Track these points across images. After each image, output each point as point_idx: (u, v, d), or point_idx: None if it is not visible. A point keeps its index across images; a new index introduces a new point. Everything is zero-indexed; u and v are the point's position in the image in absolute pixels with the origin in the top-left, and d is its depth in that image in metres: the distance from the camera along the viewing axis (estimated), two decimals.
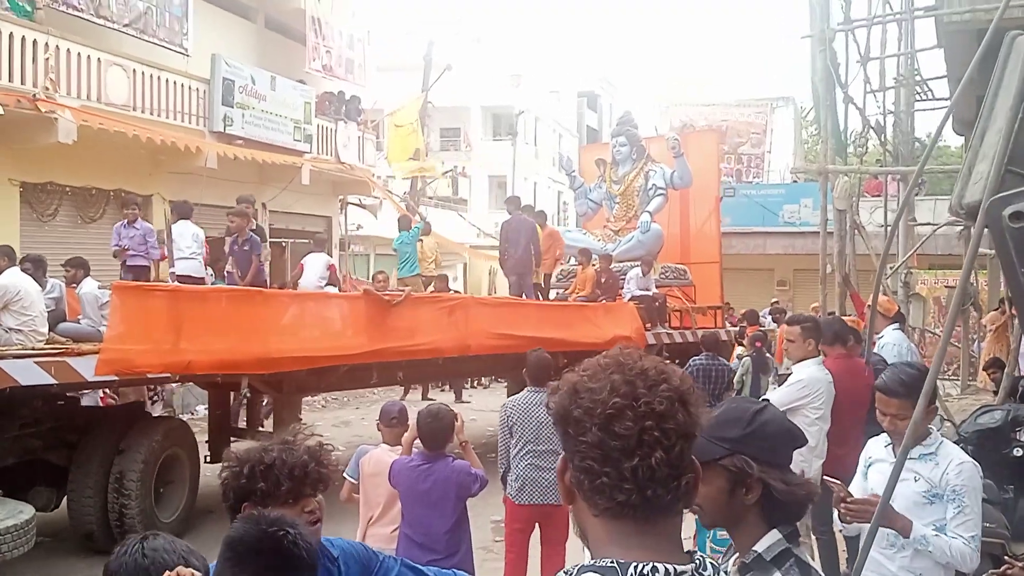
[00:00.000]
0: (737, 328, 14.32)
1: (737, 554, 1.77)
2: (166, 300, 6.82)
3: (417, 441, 4.34)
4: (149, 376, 7.18)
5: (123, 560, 1.90)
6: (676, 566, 1.17)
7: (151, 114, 13.24)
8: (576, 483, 1.22)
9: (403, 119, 19.94)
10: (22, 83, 11.16)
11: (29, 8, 11.61)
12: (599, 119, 43.81)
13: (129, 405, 9.07)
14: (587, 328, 10.77)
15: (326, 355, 7.89)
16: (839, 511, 2.86)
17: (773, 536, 1.70)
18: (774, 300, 19.09)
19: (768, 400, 2.70)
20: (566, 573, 1.18)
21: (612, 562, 1.15)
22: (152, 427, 7.27)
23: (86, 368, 6.22)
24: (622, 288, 12.86)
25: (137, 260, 8.95)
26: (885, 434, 3.21)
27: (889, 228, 12.10)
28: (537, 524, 5.27)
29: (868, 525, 2.76)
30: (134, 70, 12.99)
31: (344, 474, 4.66)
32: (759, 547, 1.70)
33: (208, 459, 8.15)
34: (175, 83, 13.81)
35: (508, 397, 6.43)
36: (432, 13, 53.68)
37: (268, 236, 16.50)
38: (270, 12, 18.21)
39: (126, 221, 9.09)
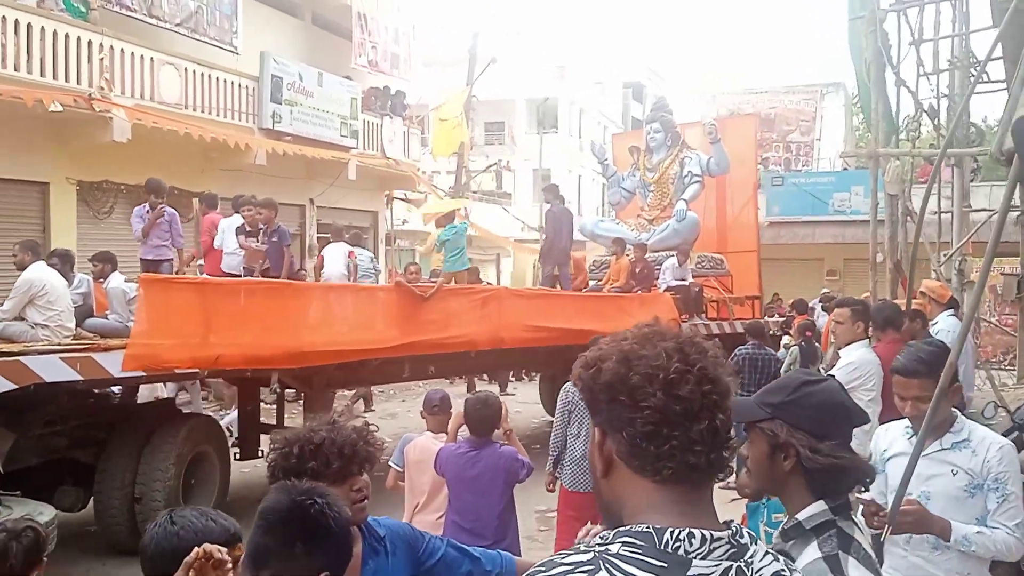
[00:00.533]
0: (784, 319, 14.10)
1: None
2: (194, 293, 6.67)
3: (463, 428, 4.38)
4: (177, 372, 6.90)
5: (153, 532, 1.95)
6: (713, 532, 1.18)
7: (202, 112, 13.52)
8: (630, 450, 1.23)
9: (448, 113, 20.06)
10: (78, 83, 11.48)
11: (84, 9, 11.94)
12: (644, 110, 43.34)
13: (160, 402, 8.89)
14: (623, 319, 9.89)
15: (357, 348, 7.62)
16: (871, 525, 2.56)
17: (819, 506, 1.72)
18: (824, 290, 18.77)
19: (833, 376, 2.62)
20: (601, 537, 1.20)
21: (648, 527, 1.17)
22: (181, 424, 7.06)
23: (113, 364, 6.08)
24: (657, 278, 12.59)
25: (162, 251, 8.50)
26: (905, 421, 2.95)
27: (942, 214, 11.83)
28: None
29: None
30: (185, 68, 13.27)
31: (389, 462, 4.72)
32: (801, 515, 1.71)
33: (238, 456, 8.03)
34: (225, 81, 14.09)
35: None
36: (476, 6, 53.85)
37: (317, 231, 16.78)
38: (317, 9, 18.46)
39: (148, 206, 8.57)
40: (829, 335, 10.29)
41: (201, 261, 9.85)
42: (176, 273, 8.50)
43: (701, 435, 1.19)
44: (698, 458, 1.20)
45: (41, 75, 11.04)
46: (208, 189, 13.67)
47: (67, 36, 11.40)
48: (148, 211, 8.51)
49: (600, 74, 38.06)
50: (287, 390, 9.04)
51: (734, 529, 1.22)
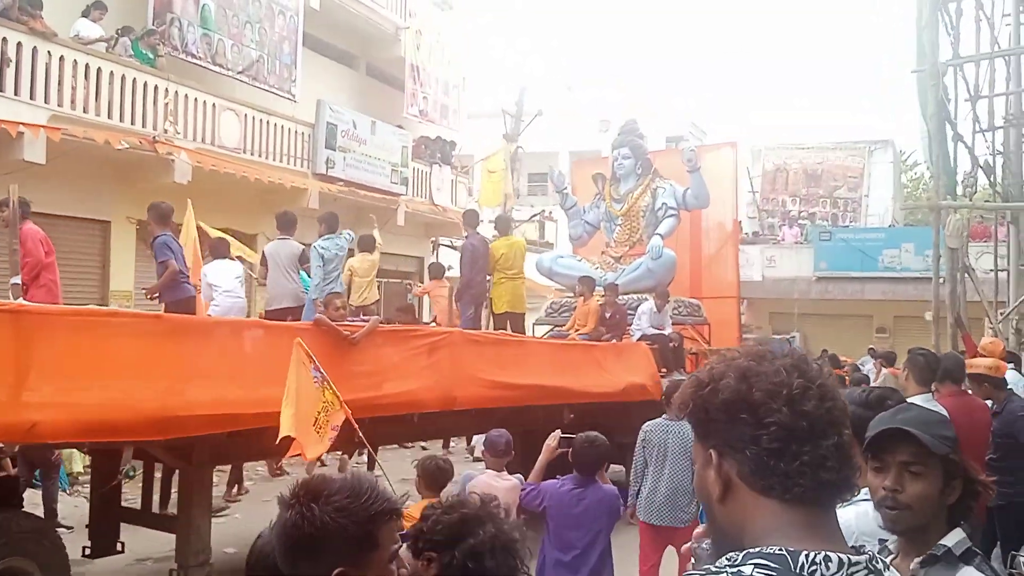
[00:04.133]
0: None
1: (896, 555, 1.75)
2: (3, 327, 4.48)
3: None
4: None
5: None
6: (850, 555, 1.14)
7: (259, 156, 13.83)
8: (756, 470, 1.19)
9: (495, 165, 20.31)
10: (143, 126, 11.82)
11: (151, 55, 12.35)
12: None
13: None
14: (597, 374, 8.77)
15: (257, 411, 5.38)
16: None
17: (959, 534, 1.71)
18: (870, 347, 18.45)
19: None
20: (729, 560, 1.16)
21: (780, 549, 1.13)
22: None
23: None
24: (630, 324, 10.85)
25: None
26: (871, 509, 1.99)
27: (999, 272, 11.63)
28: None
29: None
30: (245, 115, 13.63)
31: None
32: (947, 541, 1.69)
33: (89, 551, 6.12)
34: (282, 127, 14.43)
35: None
36: (524, 59, 54.84)
37: None
38: (372, 60, 18.97)
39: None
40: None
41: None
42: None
43: (831, 451, 1.16)
44: (830, 475, 1.17)
45: (108, 117, 11.40)
46: (263, 232, 13.98)
47: (135, 81, 11.78)
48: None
49: (645, 128, 38.28)
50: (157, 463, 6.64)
51: (870, 554, 1.18)
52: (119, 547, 6.25)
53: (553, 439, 4.57)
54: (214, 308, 8.24)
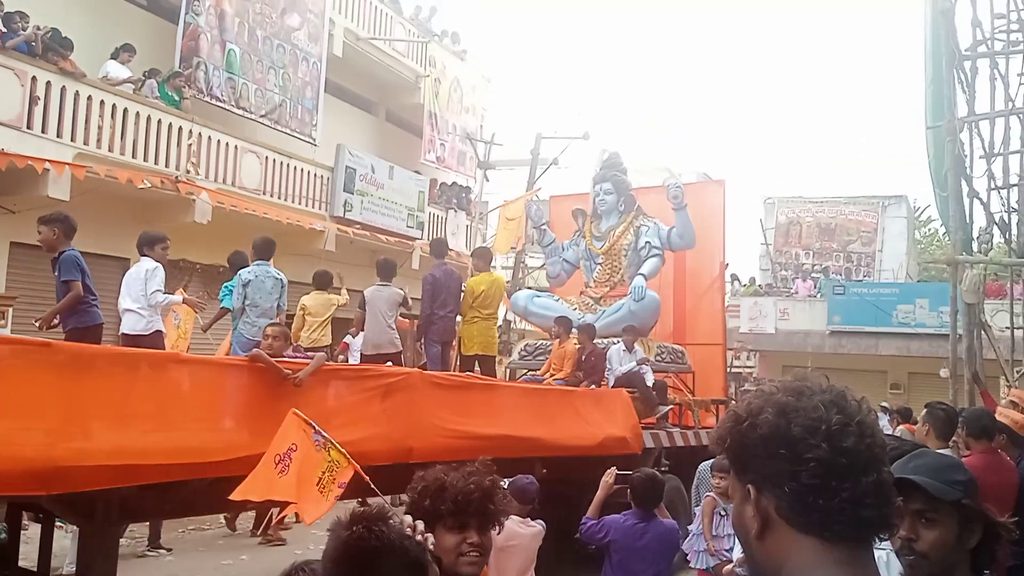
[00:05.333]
0: None
1: None
2: None
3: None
4: None
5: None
6: None
7: (278, 198, 14.00)
8: (794, 506, 1.19)
9: (514, 212, 20.47)
10: (166, 165, 12.03)
11: (177, 98, 12.60)
12: None
13: None
14: (573, 424, 7.88)
15: (173, 463, 4.61)
16: None
17: None
18: (883, 404, 18.28)
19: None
20: None
21: None
22: None
23: None
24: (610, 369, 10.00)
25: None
26: None
27: (1015, 330, 11.54)
28: None
29: None
30: (266, 157, 13.84)
31: None
32: None
33: None
34: (302, 170, 14.64)
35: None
36: (541, 108, 55.48)
37: None
38: (391, 107, 19.31)
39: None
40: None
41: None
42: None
43: (870, 489, 1.16)
44: (870, 512, 1.17)
45: (133, 156, 11.60)
46: (281, 272, 14.08)
47: (159, 122, 12.01)
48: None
49: (658, 177, 38.60)
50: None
51: None
52: None
53: (610, 475, 4.97)
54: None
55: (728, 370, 13.96)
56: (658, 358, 10.74)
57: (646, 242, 11.50)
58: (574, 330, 10.07)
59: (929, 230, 37.09)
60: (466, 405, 6.75)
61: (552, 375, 9.69)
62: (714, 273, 12.49)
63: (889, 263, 27.25)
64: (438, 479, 2.23)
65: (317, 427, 5.00)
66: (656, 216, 11.72)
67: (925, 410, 5.15)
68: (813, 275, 26.68)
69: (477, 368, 9.20)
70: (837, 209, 28.24)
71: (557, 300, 11.71)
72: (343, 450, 5.00)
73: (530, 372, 10.48)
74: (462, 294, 9.27)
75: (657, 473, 4.94)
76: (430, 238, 17.79)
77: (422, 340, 9.36)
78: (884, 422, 14.94)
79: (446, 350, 9.31)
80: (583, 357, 9.69)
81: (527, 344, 11.55)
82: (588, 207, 12.32)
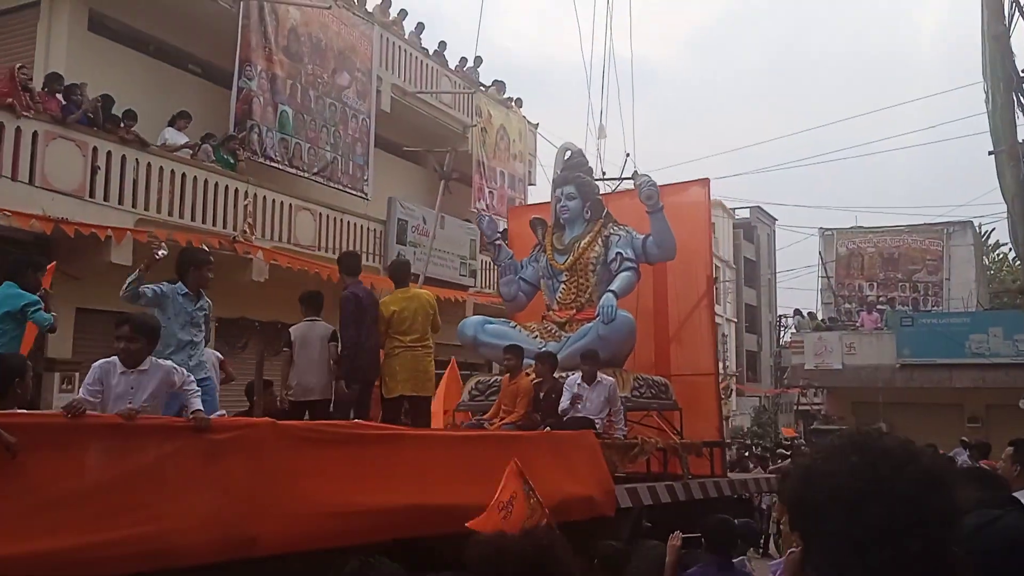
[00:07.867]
0: None
1: None
2: None
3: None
4: None
5: None
6: None
7: (333, 253, 14.19)
8: (819, 567, 1.15)
9: None
10: (223, 227, 12.31)
11: (232, 160, 12.95)
12: (756, 250, 43.34)
13: None
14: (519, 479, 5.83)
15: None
16: None
17: None
18: (963, 439, 17.51)
19: None
20: None
21: None
22: None
23: None
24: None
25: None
26: None
27: None
28: None
29: None
30: (320, 213, 14.09)
31: None
32: None
33: None
34: (355, 224, 14.87)
35: None
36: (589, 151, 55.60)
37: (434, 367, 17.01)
38: (440, 158, 19.51)
39: None
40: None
41: None
42: None
43: (890, 563, 1.07)
44: None
45: (192, 219, 11.91)
46: (335, 327, 14.22)
47: (216, 184, 12.33)
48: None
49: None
50: None
51: None
52: None
53: (675, 539, 4.97)
54: None
55: (795, 408, 13.59)
56: (635, 393, 8.69)
57: (617, 253, 9.47)
58: (529, 361, 8.27)
59: (998, 255, 35.92)
60: (354, 467, 4.95)
61: (501, 419, 7.71)
62: (701, 290, 10.33)
63: (957, 291, 26.39)
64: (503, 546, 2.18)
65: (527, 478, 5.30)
66: (629, 224, 9.75)
67: (1011, 448, 4.64)
68: (879, 307, 25.95)
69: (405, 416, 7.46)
70: (900, 238, 27.56)
71: (514, 327, 9.75)
72: (540, 499, 5.26)
73: (475, 417, 8.48)
74: None
75: (728, 518, 4.91)
76: (482, 285, 17.88)
77: (342, 379, 7.23)
78: (964, 457, 14.26)
79: (366, 392, 7.37)
80: (540, 395, 7.79)
81: (478, 381, 9.51)
82: (550, 217, 10.29)
